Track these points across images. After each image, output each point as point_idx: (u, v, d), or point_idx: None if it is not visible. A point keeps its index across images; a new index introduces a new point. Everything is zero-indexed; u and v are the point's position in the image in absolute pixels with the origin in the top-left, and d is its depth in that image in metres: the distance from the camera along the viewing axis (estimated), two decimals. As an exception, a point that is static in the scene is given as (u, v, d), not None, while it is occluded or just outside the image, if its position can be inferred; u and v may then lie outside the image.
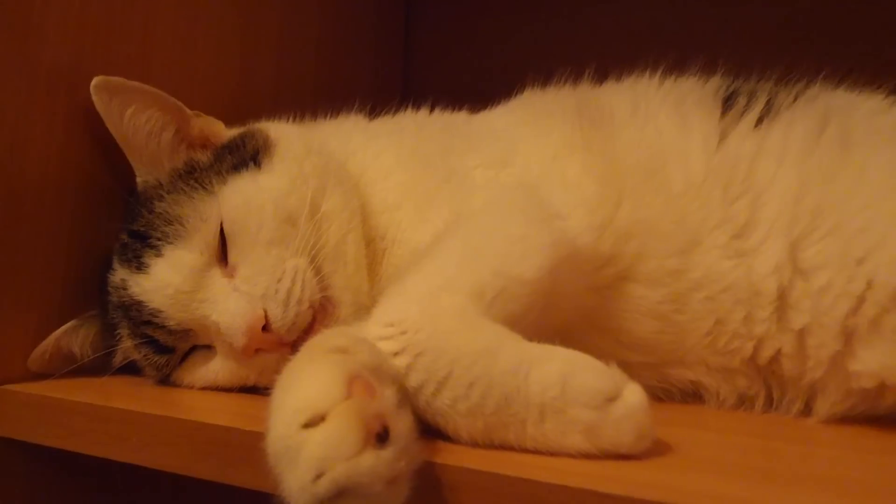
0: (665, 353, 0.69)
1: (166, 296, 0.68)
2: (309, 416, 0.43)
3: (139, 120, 0.75)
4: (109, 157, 0.78)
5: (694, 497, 0.43)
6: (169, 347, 0.70)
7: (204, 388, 0.71)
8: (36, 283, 0.75)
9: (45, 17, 0.74)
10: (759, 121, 0.71)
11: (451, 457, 0.49)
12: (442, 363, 0.51)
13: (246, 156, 0.74)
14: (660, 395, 0.70)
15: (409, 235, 0.74)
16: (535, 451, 0.50)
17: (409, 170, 0.77)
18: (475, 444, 0.50)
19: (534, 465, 0.48)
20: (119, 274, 0.72)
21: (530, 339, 0.52)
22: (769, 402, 0.67)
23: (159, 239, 0.69)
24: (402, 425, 0.45)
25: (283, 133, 0.78)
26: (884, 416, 0.61)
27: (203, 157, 0.76)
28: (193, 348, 0.71)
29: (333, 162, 0.78)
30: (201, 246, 0.69)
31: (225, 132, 0.80)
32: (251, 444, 0.54)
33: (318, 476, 0.41)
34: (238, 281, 0.68)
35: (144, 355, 0.71)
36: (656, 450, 0.50)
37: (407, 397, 0.50)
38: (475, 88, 0.90)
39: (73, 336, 0.76)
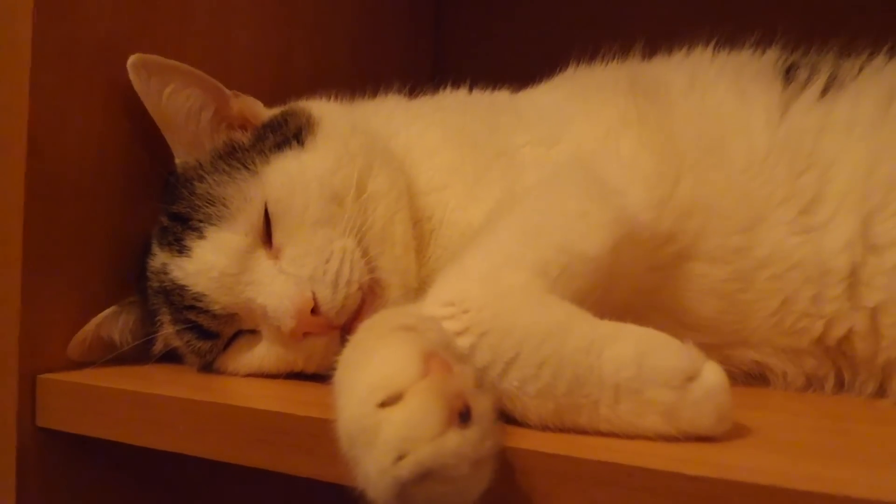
0: (729, 334, 0.66)
1: (210, 279, 0.66)
2: (386, 395, 0.41)
3: (178, 99, 0.73)
4: (148, 139, 0.76)
5: (784, 478, 0.40)
6: (213, 333, 0.68)
7: (248, 375, 0.69)
8: (75, 269, 0.73)
9: (84, -7, 0.72)
10: (824, 92, 0.68)
11: (522, 440, 0.46)
12: (509, 343, 0.48)
13: (289, 134, 0.72)
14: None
15: (458, 216, 0.71)
16: (609, 434, 0.47)
17: (456, 148, 0.75)
18: (545, 427, 0.48)
19: (610, 448, 0.45)
20: (159, 258, 0.70)
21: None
22: (839, 384, 0.65)
23: (201, 221, 0.67)
24: (484, 404, 0.42)
25: (326, 111, 0.76)
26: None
27: (243, 137, 0.74)
28: (238, 334, 0.69)
29: (378, 140, 0.75)
30: (245, 227, 0.67)
31: (264, 112, 0.77)
32: (308, 430, 0.54)
33: (400, 457, 0.38)
34: (284, 263, 0.65)
35: (187, 342, 0.70)
36: (734, 432, 0.48)
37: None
38: (507, 70, 0.86)
39: (112, 323, 0.74)
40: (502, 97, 0.84)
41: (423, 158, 0.75)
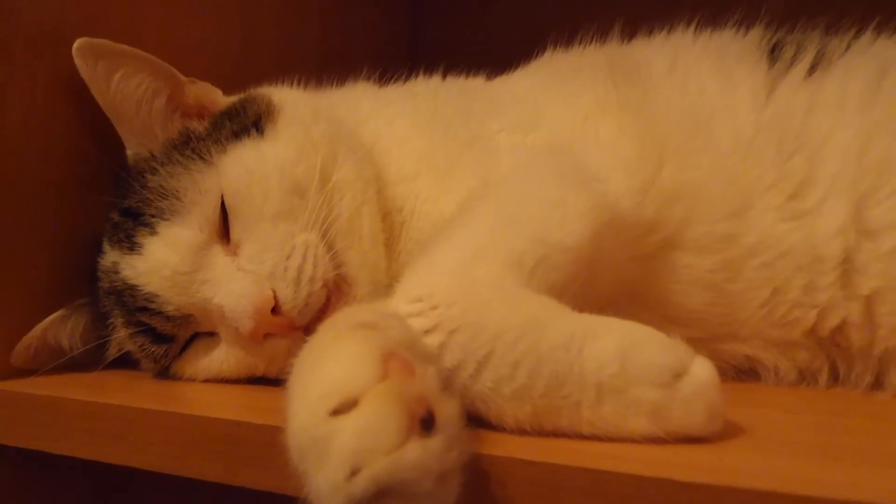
0: (717, 327, 0.63)
1: (163, 277, 0.61)
2: (339, 401, 0.36)
3: (128, 86, 0.68)
4: (97, 131, 0.71)
5: (783, 482, 0.37)
6: (167, 336, 0.64)
7: (207, 380, 0.65)
8: (18, 270, 0.68)
9: (21, -25, 0.67)
10: (811, 71, 0.65)
11: (497, 447, 0.43)
12: (481, 340, 0.44)
13: (247, 122, 0.67)
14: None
15: (429, 206, 0.67)
16: (592, 437, 0.43)
17: (427, 136, 0.71)
18: (523, 432, 0.44)
19: (594, 454, 0.42)
20: (110, 256, 0.66)
21: (576, 313, 0.46)
22: (834, 377, 0.62)
23: (153, 215, 0.63)
24: (449, 409, 0.38)
25: (287, 98, 0.71)
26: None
27: (199, 126, 0.69)
28: (195, 336, 0.65)
29: (344, 128, 0.71)
30: (200, 221, 0.62)
31: (223, 100, 0.73)
32: (264, 440, 0.49)
33: (354, 473, 0.34)
34: (242, 259, 0.61)
35: (140, 345, 0.65)
36: (726, 432, 0.44)
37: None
38: (486, 55, 0.83)
39: (61, 327, 0.69)
40: (476, 84, 0.80)
41: (393, 147, 0.71)
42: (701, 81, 0.67)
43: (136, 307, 0.63)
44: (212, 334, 0.64)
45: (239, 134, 0.66)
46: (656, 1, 0.92)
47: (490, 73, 0.82)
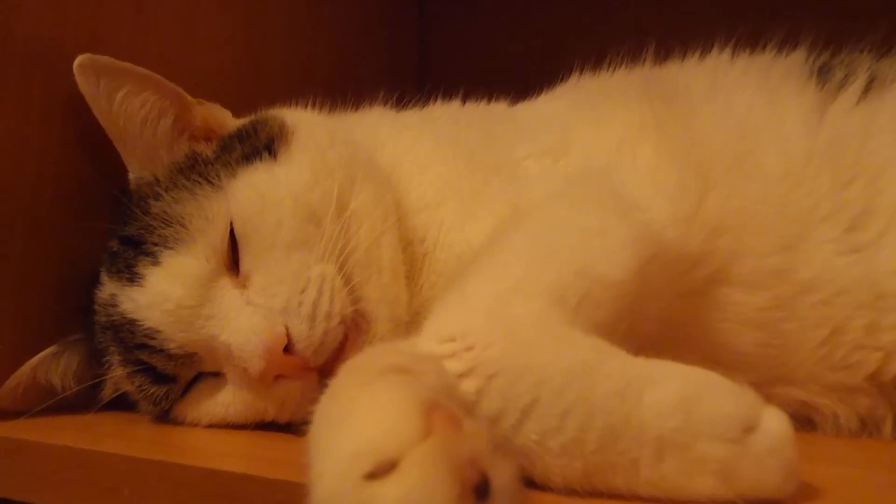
0: (770, 370, 0.58)
1: (165, 311, 0.57)
2: (375, 463, 0.31)
3: (132, 105, 0.64)
4: (97, 153, 0.67)
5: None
6: (169, 376, 0.59)
7: (211, 425, 0.59)
8: (7, 303, 0.64)
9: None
10: (864, 93, 0.61)
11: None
12: (524, 386, 0.39)
13: (259, 144, 0.63)
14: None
15: (454, 236, 0.63)
16: (651, 499, 0.38)
17: (450, 162, 0.67)
18: (571, 492, 0.39)
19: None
20: (108, 288, 0.61)
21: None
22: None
23: (156, 244, 0.58)
24: (506, 472, 0.33)
25: (301, 119, 0.67)
26: None
27: (207, 149, 0.65)
28: (198, 376, 0.60)
29: (362, 153, 0.67)
30: (207, 251, 0.58)
31: (232, 122, 0.69)
32: (278, 497, 0.44)
33: None
34: (252, 292, 0.56)
35: (139, 386, 0.60)
36: (801, 493, 0.39)
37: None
38: (495, 77, 0.80)
39: (52, 365, 0.64)
40: (499, 108, 0.77)
41: (414, 173, 0.67)
42: (745, 103, 0.63)
43: (135, 344, 0.58)
44: (217, 374, 0.59)
45: (250, 157, 0.62)
46: (667, 20, 0.90)
47: (498, 93, 0.78)
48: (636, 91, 0.68)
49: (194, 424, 0.60)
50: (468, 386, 0.40)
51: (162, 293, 0.57)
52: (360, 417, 0.35)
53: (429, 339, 0.44)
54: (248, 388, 0.57)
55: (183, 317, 0.56)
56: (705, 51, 0.72)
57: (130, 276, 0.59)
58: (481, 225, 0.61)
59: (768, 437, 0.38)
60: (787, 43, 0.70)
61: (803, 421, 0.59)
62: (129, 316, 0.58)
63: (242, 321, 0.55)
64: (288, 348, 0.54)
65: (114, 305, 0.60)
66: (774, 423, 0.38)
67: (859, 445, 0.55)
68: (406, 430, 0.32)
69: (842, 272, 0.56)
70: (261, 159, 0.62)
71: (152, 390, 0.59)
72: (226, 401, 0.58)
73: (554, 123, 0.69)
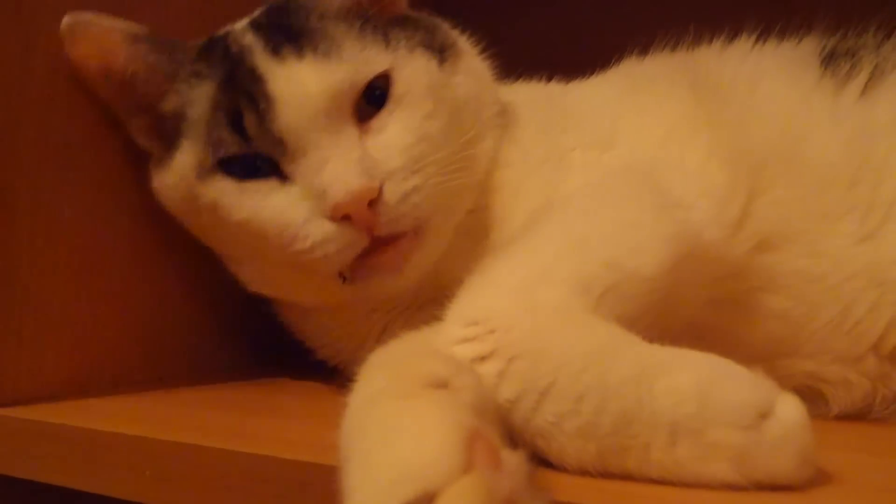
0: (777, 348, 0.59)
1: (301, 96, 0.57)
2: (415, 494, 0.31)
3: None
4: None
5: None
6: (244, 137, 0.58)
7: (239, 223, 0.59)
8: (34, 280, 0.62)
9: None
10: (866, 88, 0.62)
11: (560, 490, 0.38)
12: (544, 369, 0.40)
13: (434, 43, 0.65)
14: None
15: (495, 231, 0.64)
16: (663, 482, 0.39)
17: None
18: (585, 472, 0.40)
19: (665, 500, 0.37)
20: (248, 37, 0.61)
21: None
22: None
23: (308, 39, 0.59)
24: None
25: (466, 49, 0.69)
26: None
27: (383, 12, 0.64)
28: (255, 171, 0.59)
29: None
30: (353, 78, 0.58)
31: (407, 6, 0.69)
32: (298, 475, 0.44)
33: None
34: (373, 144, 0.58)
35: (209, 121, 0.60)
36: (816, 479, 0.39)
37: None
38: (516, 65, 0.79)
39: (131, 44, 0.63)
40: (556, 91, 0.76)
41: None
42: (786, 100, 0.63)
43: (248, 91, 0.58)
44: (280, 178, 0.59)
45: (427, 48, 0.64)
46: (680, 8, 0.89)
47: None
48: (680, 82, 0.67)
49: (221, 210, 0.60)
50: (490, 368, 0.41)
51: (307, 84, 0.57)
52: (402, 441, 0.34)
53: (453, 322, 0.45)
54: (307, 207, 0.57)
55: (305, 117, 0.57)
56: (733, 35, 0.70)
57: (275, 48, 0.59)
58: (519, 216, 0.61)
59: (783, 423, 0.38)
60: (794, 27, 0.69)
61: (814, 394, 0.59)
62: (260, 72, 0.58)
63: (351, 159, 0.56)
64: (372, 203, 0.55)
65: (249, 53, 0.60)
66: (790, 409, 0.38)
67: (875, 433, 0.55)
68: (449, 463, 0.32)
69: (852, 261, 0.57)
70: (432, 54, 0.64)
71: (221, 134, 0.59)
72: (280, 203, 0.58)
73: (601, 113, 0.68)
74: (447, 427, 0.34)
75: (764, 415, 0.38)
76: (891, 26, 0.67)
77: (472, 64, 0.68)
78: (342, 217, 0.55)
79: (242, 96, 0.58)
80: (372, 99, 0.60)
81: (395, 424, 0.36)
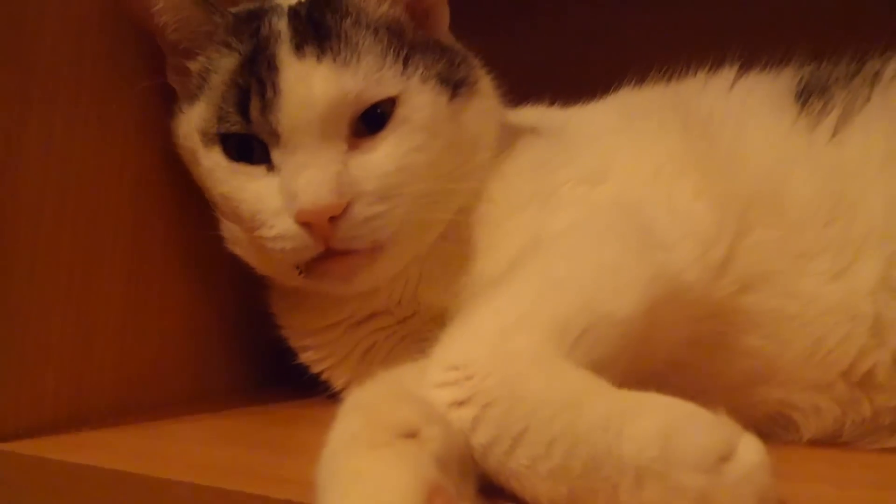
0: (750, 379, 0.61)
1: (306, 96, 0.60)
2: None
3: None
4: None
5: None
6: (247, 119, 0.62)
7: (222, 195, 0.65)
8: (32, 309, 0.63)
9: None
10: (837, 126, 0.64)
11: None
12: (517, 415, 0.43)
13: (452, 77, 0.67)
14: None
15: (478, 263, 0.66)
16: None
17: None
18: (559, 513, 0.42)
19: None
20: (282, 23, 0.64)
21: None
22: (865, 426, 0.60)
23: (334, 42, 0.62)
24: None
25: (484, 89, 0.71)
26: None
27: (417, 33, 0.68)
28: (251, 156, 0.64)
29: None
30: (361, 94, 0.61)
31: (447, 30, 0.72)
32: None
33: None
34: (354, 163, 0.61)
35: (226, 95, 0.64)
36: (778, 514, 0.42)
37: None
38: (515, 86, 0.81)
39: None
40: (557, 119, 0.78)
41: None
42: (768, 142, 0.64)
43: (261, 78, 0.62)
44: (268, 169, 0.63)
45: (443, 81, 0.66)
46: (668, 36, 0.91)
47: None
48: (674, 119, 0.68)
49: (214, 182, 0.65)
50: (466, 413, 0.44)
51: (311, 89, 0.60)
52: (368, 491, 0.37)
53: (435, 367, 0.47)
54: (280, 201, 0.61)
55: (304, 117, 0.60)
56: (717, 66, 0.73)
57: (299, 48, 0.62)
58: (503, 251, 0.63)
59: (743, 465, 0.40)
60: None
61: (785, 420, 0.61)
62: (277, 62, 0.62)
63: (330, 170, 0.59)
64: (333, 219, 0.59)
65: (275, 54, 0.62)
66: (750, 452, 0.40)
67: (841, 463, 0.57)
68: None
69: (824, 298, 0.59)
70: (446, 89, 0.66)
71: (227, 108, 0.63)
72: (259, 190, 0.63)
73: (597, 147, 0.70)
74: (409, 481, 0.37)
75: (724, 458, 0.40)
76: (863, 56, 0.69)
77: (484, 105, 0.70)
78: (304, 222, 0.59)
79: (255, 80, 0.62)
80: (374, 117, 0.63)
81: (365, 475, 0.39)
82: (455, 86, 0.67)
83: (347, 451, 0.41)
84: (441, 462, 0.39)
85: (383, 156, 0.62)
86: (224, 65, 0.65)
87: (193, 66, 0.68)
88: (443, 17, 0.71)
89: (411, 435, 0.41)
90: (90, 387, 0.68)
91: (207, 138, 0.65)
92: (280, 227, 0.61)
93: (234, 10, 0.69)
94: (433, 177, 0.64)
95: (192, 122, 0.67)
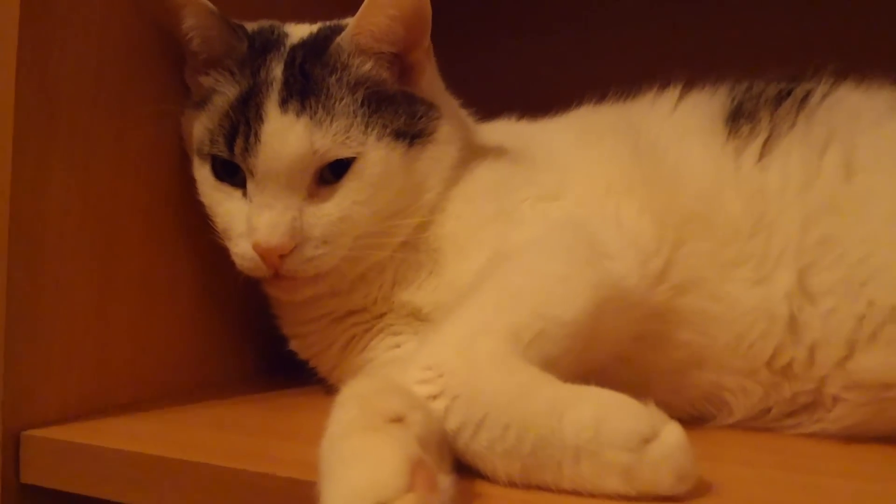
0: (684, 365, 0.70)
1: (280, 151, 0.69)
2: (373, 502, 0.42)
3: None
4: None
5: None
6: (232, 151, 0.71)
7: (203, 201, 0.75)
8: (58, 308, 0.69)
9: None
10: (763, 149, 0.71)
11: (491, 501, 0.49)
12: (478, 406, 0.51)
13: (411, 130, 0.74)
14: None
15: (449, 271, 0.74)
16: (573, 492, 0.49)
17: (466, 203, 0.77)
18: (513, 485, 0.51)
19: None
20: (277, 71, 0.71)
21: (567, 380, 0.53)
22: (786, 406, 0.69)
23: (314, 100, 0.70)
24: None
25: (444, 136, 0.77)
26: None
27: (393, 87, 0.75)
28: (236, 181, 0.73)
29: None
30: (326, 153, 0.69)
31: (429, 81, 0.79)
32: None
33: None
34: (309, 211, 0.70)
35: (221, 122, 0.72)
36: (695, 490, 0.50)
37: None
38: (497, 105, 0.88)
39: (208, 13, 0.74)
40: (523, 135, 0.85)
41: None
42: (701, 163, 0.72)
43: (248, 119, 0.70)
44: (242, 192, 0.72)
45: (399, 135, 0.73)
46: (655, 55, 0.97)
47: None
48: (626, 140, 0.76)
49: (200, 190, 0.75)
50: (439, 405, 0.53)
51: (285, 146, 0.68)
52: (364, 466, 0.45)
53: (414, 367, 0.56)
54: (246, 225, 0.71)
55: (275, 167, 0.69)
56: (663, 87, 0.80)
57: (285, 97, 0.70)
58: (472, 260, 0.71)
59: (664, 447, 0.48)
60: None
61: (718, 400, 0.70)
62: (262, 113, 0.69)
63: (287, 215, 0.69)
64: (283, 255, 0.69)
65: (266, 91, 0.70)
66: (670, 435, 0.49)
67: (761, 447, 0.65)
68: (396, 484, 0.43)
69: (746, 300, 0.67)
70: (403, 142, 0.73)
71: (218, 135, 0.71)
72: (233, 210, 0.72)
73: (555, 164, 0.78)
74: (397, 457, 0.45)
75: (647, 440, 0.48)
76: (797, 76, 0.76)
77: (438, 153, 0.76)
78: (259, 252, 0.69)
79: (244, 122, 0.70)
80: (339, 166, 0.71)
81: (361, 452, 0.47)
82: (413, 136, 0.74)
83: (346, 434, 0.49)
84: (423, 442, 0.47)
85: (332, 206, 0.70)
86: (227, 92, 0.73)
87: (205, 80, 0.76)
88: (424, 71, 0.77)
89: (398, 420, 0.49)
90: (109, 379, 0.76)
91: (201, 153, 0.74)
92: (242, 247, 0.71)
93: (250, 32, 0.76)
94: (374, 221, 0.72)
95: (195, 129, 0.75)
